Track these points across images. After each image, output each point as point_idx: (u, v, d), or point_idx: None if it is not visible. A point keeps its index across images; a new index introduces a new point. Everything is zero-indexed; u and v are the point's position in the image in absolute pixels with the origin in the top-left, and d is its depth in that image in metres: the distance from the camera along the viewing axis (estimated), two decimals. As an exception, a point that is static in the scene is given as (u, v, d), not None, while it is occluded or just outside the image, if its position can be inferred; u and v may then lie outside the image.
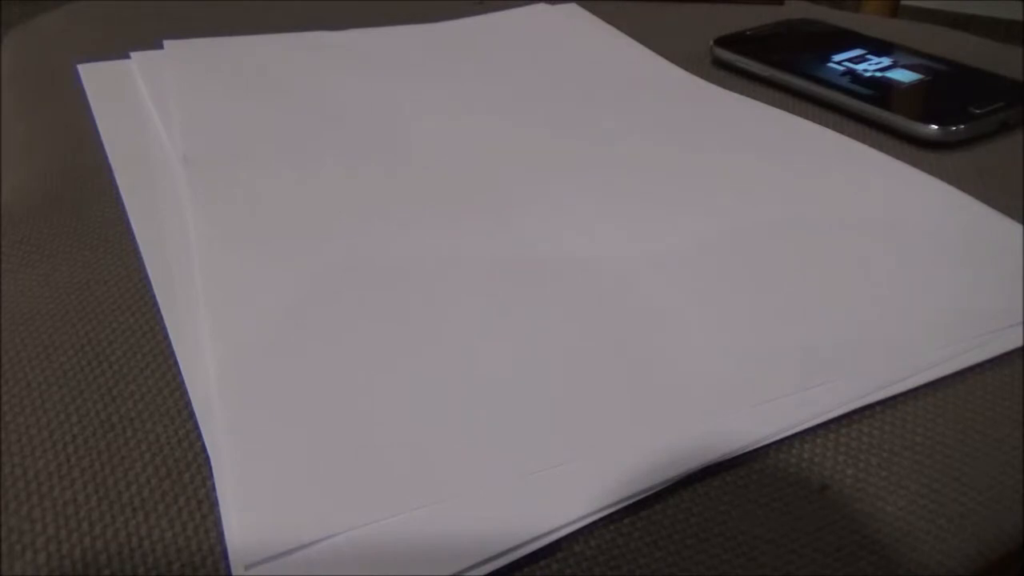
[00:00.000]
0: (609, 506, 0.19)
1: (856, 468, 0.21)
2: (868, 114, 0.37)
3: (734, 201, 0.30)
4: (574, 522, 0.19)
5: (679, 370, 0.23)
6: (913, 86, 0.38)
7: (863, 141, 0.35)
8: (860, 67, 0.40)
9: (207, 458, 0.20)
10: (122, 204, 0.30)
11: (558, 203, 0.30)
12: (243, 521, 0.19)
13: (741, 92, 0.40)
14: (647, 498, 0.20)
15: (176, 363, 0.23)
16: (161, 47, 0.41)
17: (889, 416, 0.22)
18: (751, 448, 0.21)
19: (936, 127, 0.35)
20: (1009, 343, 0.24)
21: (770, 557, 0.19)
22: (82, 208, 0.30)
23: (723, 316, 0.25)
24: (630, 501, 0.20)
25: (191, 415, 0.22)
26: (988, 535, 0.20)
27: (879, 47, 0.43)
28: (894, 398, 0.23)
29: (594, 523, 0.19)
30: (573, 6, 0.51)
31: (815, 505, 0.20)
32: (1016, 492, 0.21)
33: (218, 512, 0.19)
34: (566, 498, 0.19)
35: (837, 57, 0.41)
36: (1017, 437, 0.22)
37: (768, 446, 0.21)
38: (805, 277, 0.26)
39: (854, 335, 0.24)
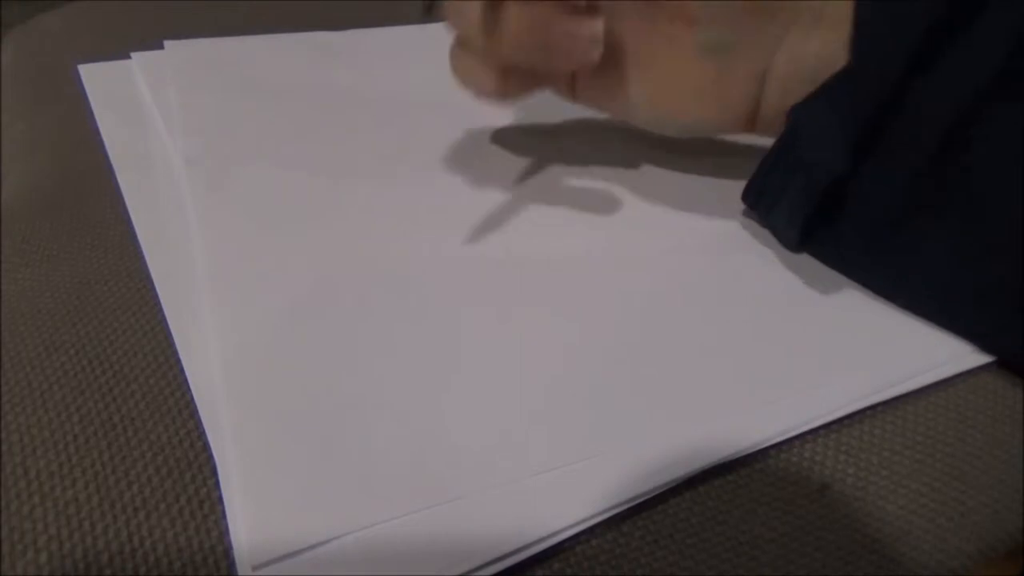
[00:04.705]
0: (612, 508, 0.19)
1: (857, 467, 0.21)
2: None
3: (734, 200, 0.30)
4: (578, 523, 0.19)
5: (681, 372, 0.23)
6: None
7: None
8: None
9: (209, 457, 0.20)
10: (123, 204, 0.30)
11: (557, 202, 0.30)
12: (250, 522, 0.18)
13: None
14: (647, 498, 0.20)
15: (178, 362, 0.23)
16: (162, 47, 0.41)
17: (890, 416, 0.22)
18: (755, 449, 0.21)
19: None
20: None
21: (771, 557, 0.19)
22: (83, 208, 0.30)
23: (723, 316, 0.25)
24: (634, 503, 0.20)
25: (192, 414, 0.22)
26: (988, 534, 0.20)
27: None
28: (895, 398, 0.23)
29: (594, 523, 0.20)
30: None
31: (816, 505, 0.20)
32: (1016, 492, 0.21)
33: (220, 512, 0.19)
34: (571, 499, 0.19)
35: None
36: (1017, 437, 0.22)
37: (768, 446, 0.21)
38: (807, 275, 0.26)
39: (855, 336, 0.24)
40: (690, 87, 0.27)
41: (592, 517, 0.19)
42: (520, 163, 0.33)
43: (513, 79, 0.27)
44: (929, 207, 0.24)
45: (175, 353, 0.23)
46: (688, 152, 0.33)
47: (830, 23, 0.25)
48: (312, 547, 0.18)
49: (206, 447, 0.21)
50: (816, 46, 0.25)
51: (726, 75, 0.26)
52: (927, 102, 0.23)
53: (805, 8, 0.25)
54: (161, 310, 0.25)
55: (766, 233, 0.28)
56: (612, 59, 0.27)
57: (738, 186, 0.28)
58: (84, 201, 0.30)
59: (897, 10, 0.23)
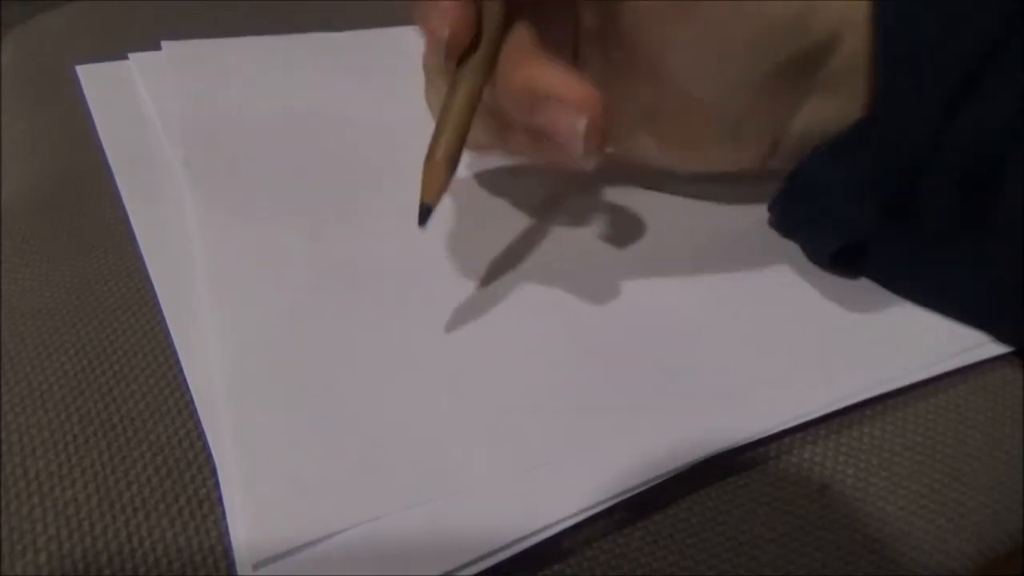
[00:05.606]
0: (613, 497, 0.19)
1: (857, 468, 0.21)
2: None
3: (733, 198, 0.30)
4: (579, 513, 0.19)
5: (676, 366, 0.23)
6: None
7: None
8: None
9: (209, 457, 0.20)
10: (122, 204, 0.30)
11: (561, 203, 0.30)
12: (250, 521, 0.19)
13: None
14: (647, 498, 0.20)
15: (177, 363, 0.23)
16: (160, 48, 0.41)
17: (890, 417, 0.23)
18: (757, 437, 0.21)
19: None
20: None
21: (771, 557, 0.19)
22: (82, 208, 0.30)
23: (724, 310, 0.25)
24: (636, 491, 0.20)
25: (192, 415, 0.22)
26: (988, 535, 0.20)
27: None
28: (895, 399, 0.23)
29: (594, 523, 0.20)
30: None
31: (816, 505, 0.20)
32: (1016, 492, 0.21)
33: (220, 511, 0.19)
34: (571, 491, 0.19)
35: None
36: (1017, 437, 0.22)
37: (769, 447, 0.21)
38: (809, 268, 0.26)
39: (857, 330, 0.24)
40: (704, 141, 0.27)
41: (593, 507, 0.19)
42: (522, 161, 0.33)
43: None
44: (955, 237, 0.24)
45: (175, 353, 0.23)
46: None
47: (848, 94, 0.25)
48: (312, 544, 0.18)
49: (206, 447, 0.21)
50: (832, 112, 0.25)
51: (739, 138, 0.26)
52: (950, 147, 0.23)
53: (820, 80, 0.25)
54: (161, 310, 0.25)
55: (766, 229, 0.28)
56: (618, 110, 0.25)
57: (739, 186, 0.28)
58: (84, 201, 0.30)
59: (925, 72, 0.23)
